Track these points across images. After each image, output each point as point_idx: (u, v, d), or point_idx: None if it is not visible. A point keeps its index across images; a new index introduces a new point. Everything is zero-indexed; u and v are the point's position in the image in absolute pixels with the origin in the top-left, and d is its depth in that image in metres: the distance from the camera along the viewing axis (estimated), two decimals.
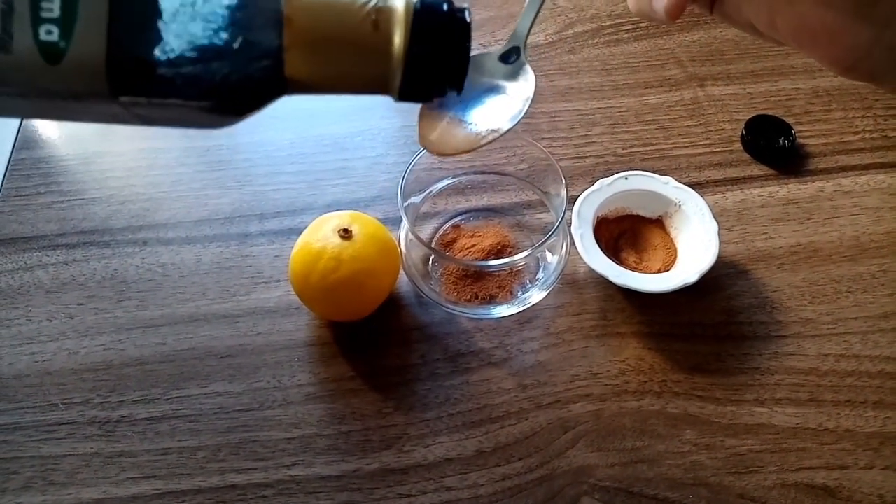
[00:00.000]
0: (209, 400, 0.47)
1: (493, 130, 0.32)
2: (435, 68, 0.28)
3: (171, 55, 0.24)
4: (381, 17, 0.26)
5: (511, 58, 0.35)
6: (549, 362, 0.48)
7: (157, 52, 0.24)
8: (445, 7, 0.27)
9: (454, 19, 0.28)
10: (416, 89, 0.28)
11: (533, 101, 0.33)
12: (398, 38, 0.26)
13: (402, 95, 0.28)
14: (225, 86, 0.25)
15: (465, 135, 0.32)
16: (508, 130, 0.32)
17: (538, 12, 0.34)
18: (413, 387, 0.47)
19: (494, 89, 0.34)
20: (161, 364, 0.48)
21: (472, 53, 0.29)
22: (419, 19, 0.26)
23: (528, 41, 0.35)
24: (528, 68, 0.34)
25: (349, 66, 0.27)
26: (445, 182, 0.55)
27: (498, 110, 0.33)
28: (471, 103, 0.33)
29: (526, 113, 0.33)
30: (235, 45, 0.25)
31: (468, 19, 0.28)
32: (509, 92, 0.34)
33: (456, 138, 0.32)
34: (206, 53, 0.24)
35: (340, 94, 0.28)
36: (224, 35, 0.24)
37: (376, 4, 0.26)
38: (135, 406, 0.47)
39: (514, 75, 0.34)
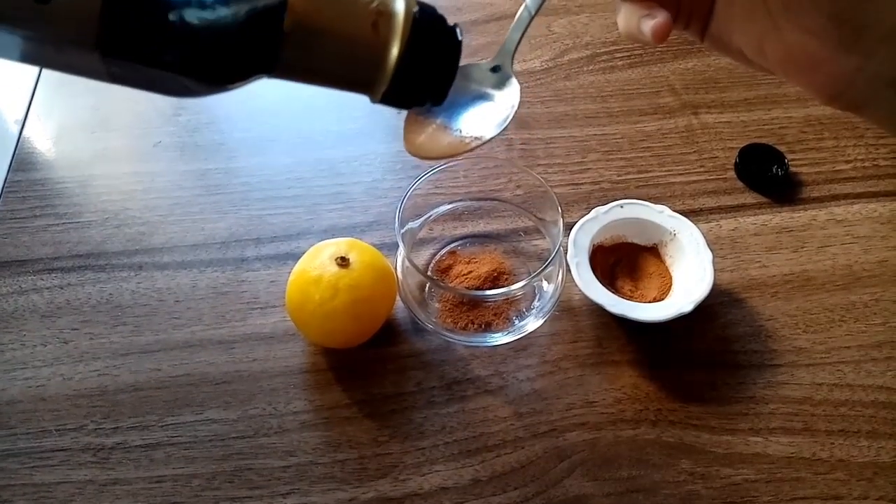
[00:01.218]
0: (204, 427, 0.46)
1: (476, 138, 0.33)
2: (422, 79, 0.28)
3: (172, 19, 0.23)
4: (382, 20, 0.26)
5: (497, 70, 0.35)
6: (544, 390, 0.48)
7: (156, 13, 0.23)
8: (443, 23, 0.28)
9: (449, 36, 0.28)
10: (400, 95, 0.28)
11: (518, 112, 0.33)
12: (394, 43, 0.27)
13: (384, 99, 0.28)
14: (214, 57, 0.25)
15: (450, 141, 0.33)
16: (493, 138, 0.33)
17: (526, 29, 0.35)
18: (409, 415, 0.47)
19: (481, 97, 0.34)
20: (156, 390, 0.48)
21: (461, 63, 0.30)
22: (417, 30, 0.27)
23: (524, 67, 0.35)
24: (513, 80, 0.35)
25: (340, 59, 0.27)
26: (443, 208, 0.55)
27: (483, 118, 0.34)
28: (457, 110, 0.33)
29: (510, 121, 0.33)
30: (236, 20, 0.25)
31: (460, 37, 0.29)
32: (495, 100, 0.34)
33: (440, 144, 0.33)
34: (204, 22, 0.24)
35: (321, 85, 0.28)
36: (227, 8, 0.24)
37: (378, 6, 0.26)
38: (129, 433, 0.46)
39: (499, 85, 0.35)
